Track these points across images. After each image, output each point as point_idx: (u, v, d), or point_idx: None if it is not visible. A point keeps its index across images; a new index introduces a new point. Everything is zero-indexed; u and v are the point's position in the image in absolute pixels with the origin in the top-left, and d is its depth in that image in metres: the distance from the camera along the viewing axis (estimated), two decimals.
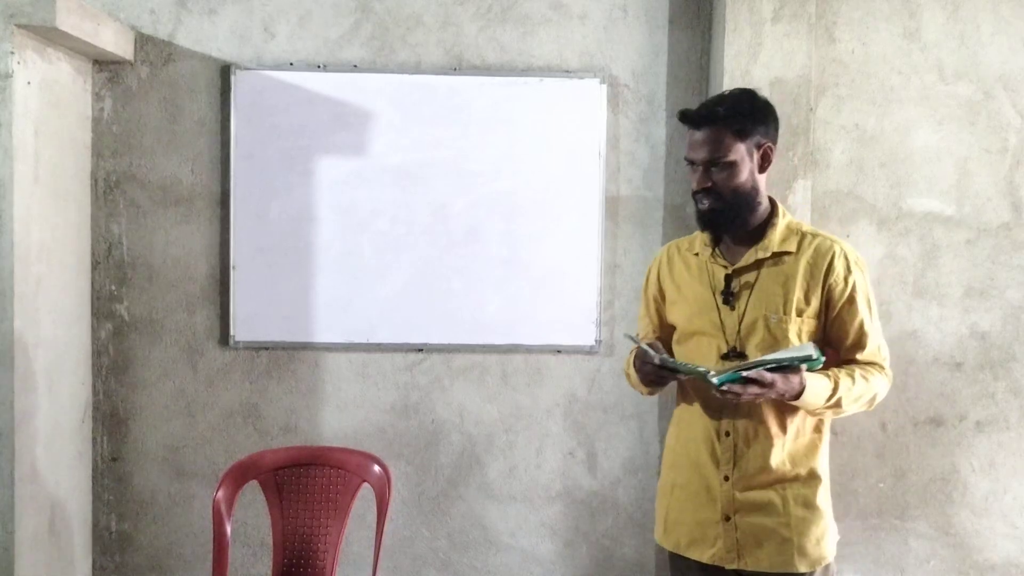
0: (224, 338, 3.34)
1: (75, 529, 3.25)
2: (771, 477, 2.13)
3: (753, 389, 1.97)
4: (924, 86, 3.31)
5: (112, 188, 3.33)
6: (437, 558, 3.42)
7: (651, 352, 2.08)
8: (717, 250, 2.22)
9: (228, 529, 2.75)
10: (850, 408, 2.14)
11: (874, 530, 3.36)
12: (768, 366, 1.99)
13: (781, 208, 2.22)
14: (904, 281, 3.34)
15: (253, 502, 3.24)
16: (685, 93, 3.35)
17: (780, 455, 2.13)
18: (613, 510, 3.42)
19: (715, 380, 1.98)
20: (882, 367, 2.20)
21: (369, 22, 3.32)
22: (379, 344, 3.34)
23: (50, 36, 2.89)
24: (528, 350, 3.36)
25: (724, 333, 2.16)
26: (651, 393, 2.34)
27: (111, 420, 3.36)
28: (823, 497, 2.18)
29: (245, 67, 3.29)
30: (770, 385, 1.97)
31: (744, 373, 1.97)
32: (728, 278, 2.17)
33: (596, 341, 3.36)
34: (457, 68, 3.32)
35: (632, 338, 2.15)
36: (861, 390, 2.13)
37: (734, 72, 3.16)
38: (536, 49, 3.33)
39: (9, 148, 2.79)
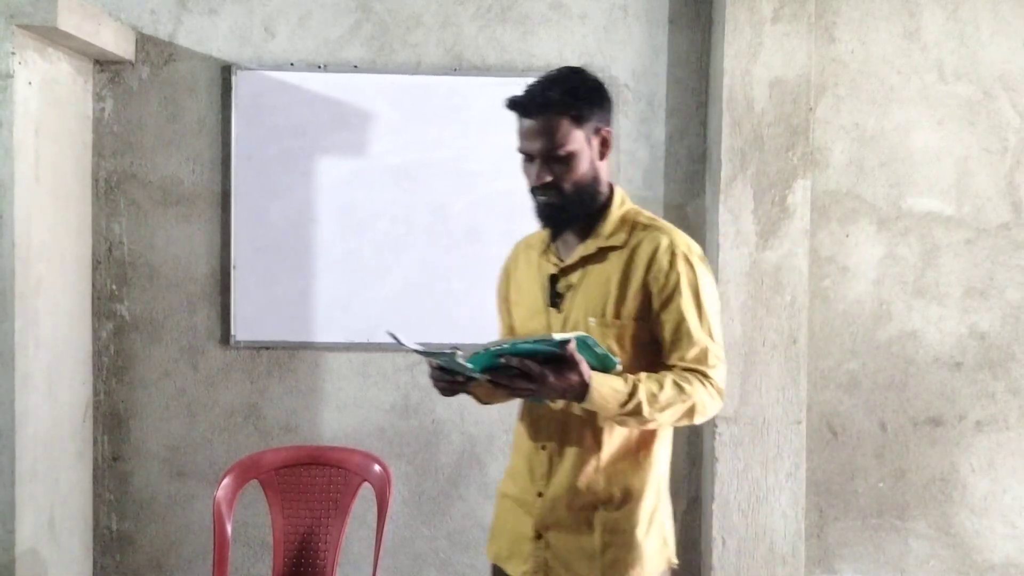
0: (225, 338, 3.34)
1: (75, 529, 3.25)
2: (582, 497, 1.92)
3: (522, 383, 1.75)
4: (924, 86, 3.31)
5: (113, 188, 3.33)
6: (437, 558, 3.42)
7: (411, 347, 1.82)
8: (553, 246, 2.00)
9: (228, 529, 2.75)
10: (659, 418, 1.84)
11: (874, 530, 3.37)
12: (535, 354, 1.74)
13: (618, 197, 1.98)
14: (904, 281, 3.34)
15: (253, 502, 3.24)
16: (685, 93, 3.35)
17: (592, 473, 1.92)
18: None
19: (466, 364, 1.74)
20: (706, 376, 1.88)
21: (369, 22, 3.32)
22: (379, 344, 3.34)
23: (51, 36, 2.89)
24: None
25: None
26: (484, 402, 2.11)
27: (111, 420, 3.36)
28: (642, 522, 1.93)
29: (245, 67, 3.29)
30: (540, 379, 1.74)
31: (502, 358, 1.73)
32: (553, 278, 1.97)
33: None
34: (457, 68, 3.32)
35: (393, 336, 1.88)
36: (671, 398, 1.83)
37: (734, 72, 3.16)
38: (536, 49, 3.33)
39: (10, 148, 2.79)
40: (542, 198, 1.91)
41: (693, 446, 3.40)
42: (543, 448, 1.97)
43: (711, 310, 1.92)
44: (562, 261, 1.98)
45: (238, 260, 3.32)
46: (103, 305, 3.34)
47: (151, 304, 3.34)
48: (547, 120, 1.86)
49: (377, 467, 2.87)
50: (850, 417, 3.35)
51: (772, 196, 3.18)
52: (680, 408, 1.85)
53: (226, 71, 3.30)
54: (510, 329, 2.15)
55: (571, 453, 1.93)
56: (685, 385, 1.85)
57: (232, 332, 3.32)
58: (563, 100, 1.86)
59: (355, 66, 3.31)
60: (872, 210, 3.32)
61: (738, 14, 3.16)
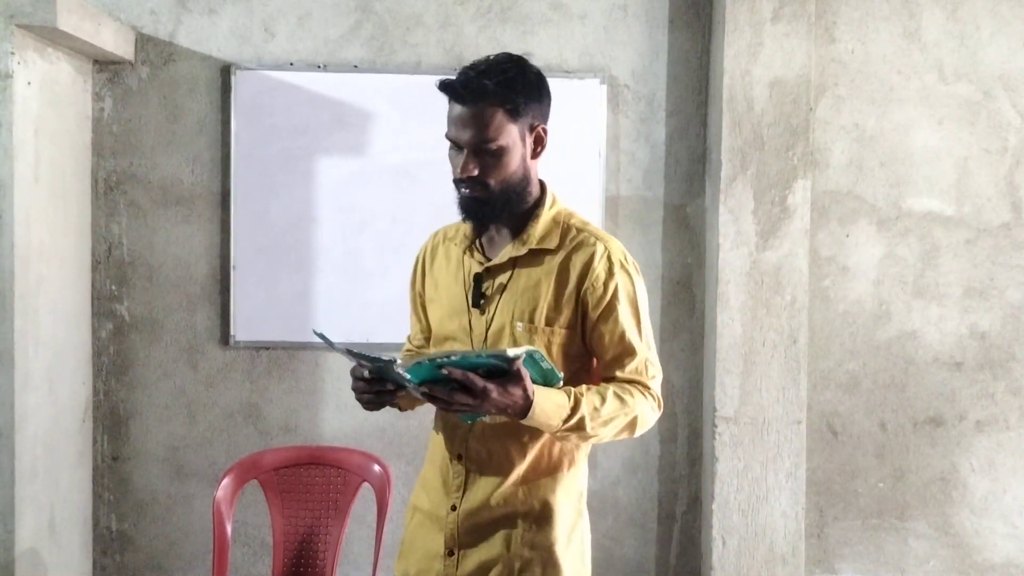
0: (224, 338, 3.34)
1: (75, 529, 3.25)
2: (500, 510, 1.81)
3: (463, 398, 1.61)
4: (924, 86, 3.31)
5: (112, 188, 3.33)
6: None
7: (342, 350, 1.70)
8: (478, 243, 1.87)
9: (228, 529, 2.75)
10: (601, 432, 1.76)
11: (874, 530, 3.37)
12: (478, 368, 1.61)
13: (550, 196, 1.86)
14: (904, 281, 3.34)
15: (253, 502, 3.24)
16: (685, 93, 3.35)
17: (513, 485, 1.81)
18: (613, 510, 3.42)
19: (404, 374, 1.61)
20: (646, 387, 1.81)
21: (369, 22, 3.32)
22: (380, 344, 3.34)
23: (50, 36, 2.89)
24: None
25: (472, 341, 1.83)
26: (404, 409, 1.98)
27: (111, 420, 3.36)
28: (561, 538, 1.84)
29: (245, 67, 3.29)
30: (483, 395, 1.60)
31: (445, 370, 1.59)
32: (478, 277, 1.84)
33: None
34: (457, 68, 3.28)
35: (322, 336, 1.78)
36: (613, 411, 1.75)
37: (734, 72, 3.16)
38: (536, 49, 3.33)
39: (9, 148, 2.79)
40: (465, 191, 1.78)
41: (693, 446, 3.40)
42: (459, 459, 1.84)
43: (647, 320, 1.85)
44: (488, 259, 1.85)
45: (238, 260, 3.31)
46: (103, 305, 3.34)
47: (151, 304, 3.34)
48: (480, 109, 1.74)
49: (377, 467, 2.87)
50: (850, 417, 3.35)
51: (772, 196, 3.18)
52: (622, 421, 1.78)
53: (226, 71, 3.30)
54: (426, 327, 2.00)
55: (490, 465, 1.82)
56: (627, 397, 1.78)
57: (232, 332, 3.32)
58: (499, 91, 1.74)
59: (355, 66, 3.31)
60: (872, 210, 3.32)
61: (738, 14, 3.16)
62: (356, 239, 3.33)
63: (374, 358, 1.64)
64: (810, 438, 3.30)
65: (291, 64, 3.31)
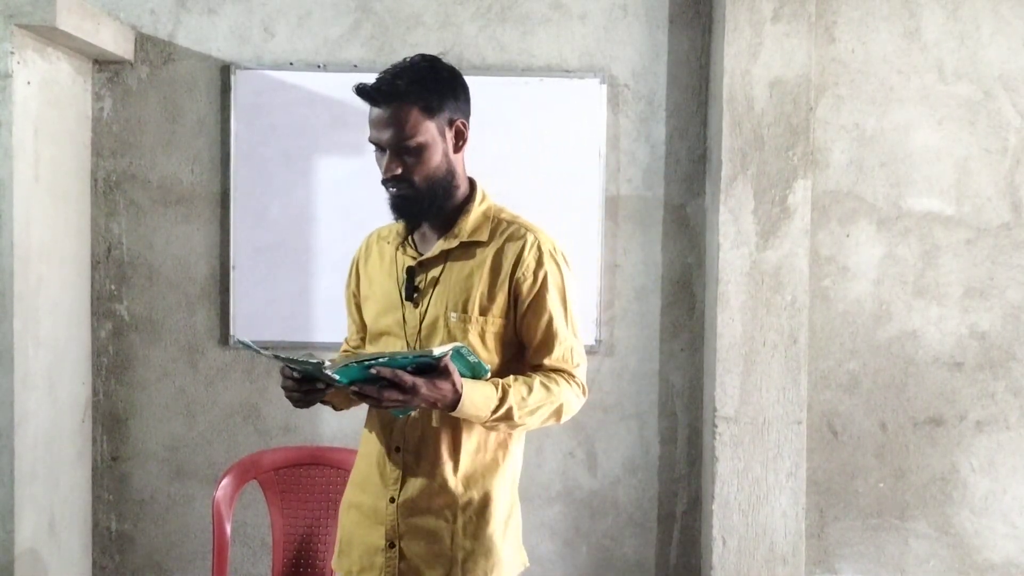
0: (224, 338, 3.34)
1: (75, 529, 3.25)
2: (439, 501, 1.86)
3: (392, 395, 1.68)
4: (924, 86, 3.31)
5: (112, 188, 3.33)
6: None
7: (273, 356, 1.76)
8: (410, 240, 1.96)
9: (228, 529, 2.75)
10: (529, 421, 1.83)
11: (874, 530, 3.37)
12: (406, 367, 1.68)
13: (480, 192, 1.95)
14: (904, 281, 3.34)
15: (253, 502, 3.24)
16: (685, 93, 3.35)
17: (451, 476, 1.86)
18: (613, 510, 3.42)
19: (334, 375, 1.69)
20: (571, 375, 1.90)
21: (369, 22, 3.32)
22: None
23: (50, 36, 2.89)
24: None
25: (406, 334, 1.90)
26: (340, 409, 2.07)
27: (111, 420, 3.36)
28: (499, 526, 1.89)
29: (245, 67, 3.29)
30: (412, 390, 1.68)
31: (374, 370, 1.66)
32: (411, 271, 1.91)
33: (596, 341, 3.36)
34: (457, 68, 3.31)
35: (246, 344, 1.81)
36: (540, 400, 1.83)
37: (734, 72, 3.16)
38: (536, 49, 3.33)
39: (9, 148, 2.79)
40: (393, 190, 1.86)
41: (693, 446, 3.40)
42: (397, 451, 1.90)
43: (575, 309, 1.93)
44: (420, 254, 1.92)
45: (238, 260, 3.31)
46: (102, 305, 3.34)
47: (150, 304, 3.34)
48: (395, 110, 1.80)
49: None
50: (850, 417, 3.35)
51: (772, 196, 3.18)
52: (548, 410, 1.85)
53: (225, 71, 3.30)
54: (361, 327, 2.06)
55: (427, 455, 1.87)
56: (552, 386, 1.86)
57: (231, 332, 3.32)
58: (412, 89, 1.80)
59: (355, 66, 3.31)
60: (872, 210, 3.32)
61: (738, 14, 3.15)
62: (356, 239, 3.31)
63: (303, 362, 1.71)
64: (810, 438, 3.30)
65: (291, 64, 3.31)
